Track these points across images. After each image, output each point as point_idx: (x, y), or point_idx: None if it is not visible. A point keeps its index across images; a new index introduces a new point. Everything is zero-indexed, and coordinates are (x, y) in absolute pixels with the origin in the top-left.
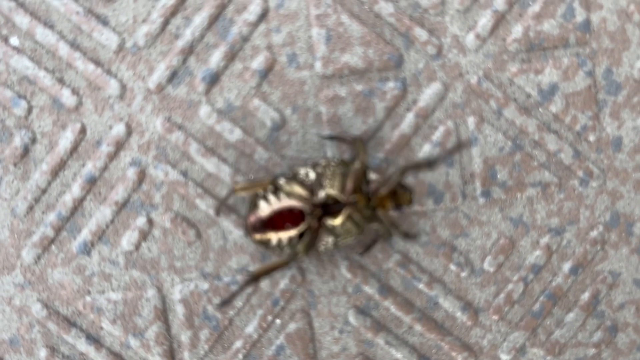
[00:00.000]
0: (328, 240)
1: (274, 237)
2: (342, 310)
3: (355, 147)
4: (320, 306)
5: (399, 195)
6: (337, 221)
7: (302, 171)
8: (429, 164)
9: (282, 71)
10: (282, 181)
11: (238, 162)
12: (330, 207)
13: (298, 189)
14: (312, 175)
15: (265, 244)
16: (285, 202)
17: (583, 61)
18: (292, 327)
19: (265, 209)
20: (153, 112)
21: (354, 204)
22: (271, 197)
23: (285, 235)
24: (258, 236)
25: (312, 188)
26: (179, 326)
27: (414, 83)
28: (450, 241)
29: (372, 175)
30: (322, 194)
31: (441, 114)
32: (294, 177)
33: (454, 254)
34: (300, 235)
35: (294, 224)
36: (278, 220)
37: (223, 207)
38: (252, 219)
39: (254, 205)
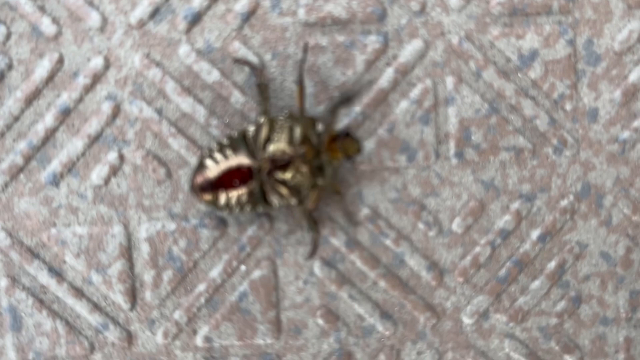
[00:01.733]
0: (281, 193)
1: (222, 196)
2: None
3: (256, 73)
4: (286, 255)
5: (347, 144)
6: (287, 174)
7: (251, 129)
8: (348, 98)
9: (265, 16)
10: (225, 141)
11: (214, 104)
12: (279, 161)
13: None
14: (264, 130)
15: (214, 203)
16: (233, 160)
17: (565, 30)
18: (256, 274)
19: (212, 168)
20: (132, 47)
21: (302, 155)
22: (217, 156)
23: (235, 193)
24: (207, 196)
25: (258, 144)
26: (142, 265)
27: (395, 38)
28: (420, 199)
29: (320, 127)
30: (270, 148)
31: (420, 71)
32: (241, 136)
33: (423, 213)
34: (251, 194)
35: (243, 181)
36: (226, 179)
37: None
38: (200, 179)
39: (200, 165)
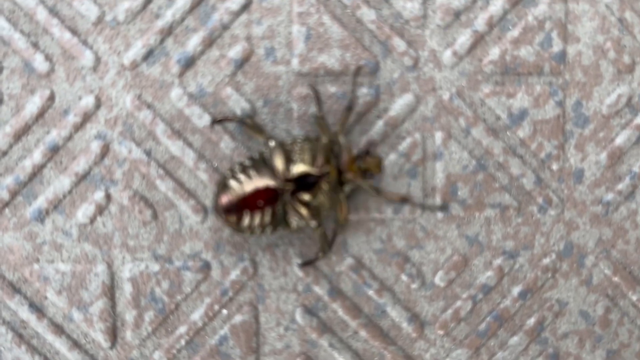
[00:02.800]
0: (302, 214)
1: (246, 218)
2: (290, 307)
3: (318, 124)
4: (268, 301)
5: (368, 161)
6: (311, 195)
7: (271, 144)
8: (348, 107)
9: (259, 63)
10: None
11: (203, 148)
12: (303, 182)
13: (269, 167)
14: (279, 152)
15: (237, 224)
16: (258, 181)
17: (555, 91)
18: (238, 318)
19: (237, 188)
20: (124, 88)
21: (326, 175)
22: (241, 176)
23: (259, 215)
24: (231, 218)
25: (276, 166)
26: (124, 305)
27: (387, 92)
28: (404, 251)
29: (342, 139)
30: (294, 169)
31: (410, 125)
32: (261, 158)
33: (406, 265)
34: (274, 215)
35: (268, 202)
36: (251, 200)
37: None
38: (225, 199)
39: (224, 185)
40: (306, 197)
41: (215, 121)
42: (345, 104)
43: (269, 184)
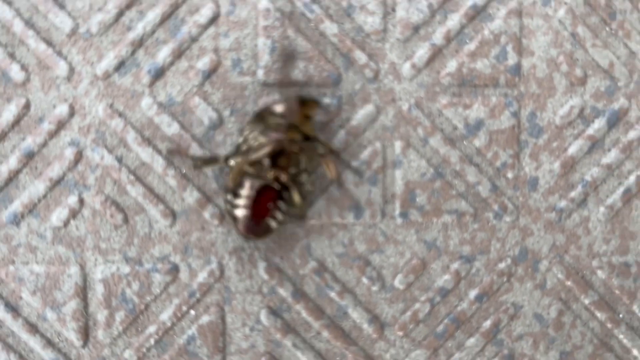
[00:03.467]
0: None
1: (271, 222)
2: (255, 309)
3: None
4: (234, 302)
5: (308, 105)
6: (287, 165)
7: (232, 162)
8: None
9: (226, 74)
10: (232, 162)
11: (172, 155)
12: (278, 157)
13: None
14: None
15: (270, 232)
16: (251, 193)
17: (510, 102)
18: (205, 319)
19: (242, 213)
20: (97, 97)
21: (289, 140)
22: (237, 201)
23: (277, 213)
24: (260, 233)
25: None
26: (96, 305)
27: (349, 102)
28: (365, 255)
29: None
30: (263, 151)
31: (371, 134)
32: (238, 152)
33: (367, 268)
34: (284, 203)
35: (274, 200)
36: (262, 210)
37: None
38: (243, 229)
39: (233, 219)
40: (292, 169)
41: (170, 152)
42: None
43: (260, 186)
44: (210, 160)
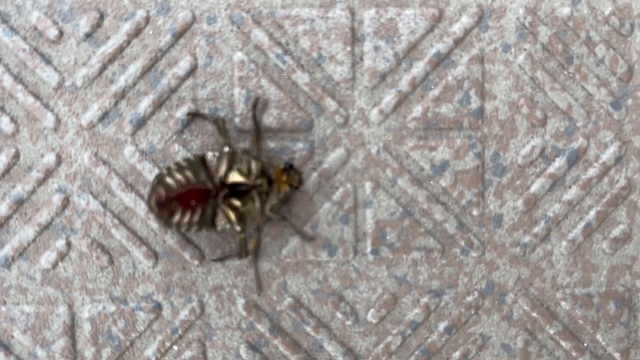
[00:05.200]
0: (229, 218)
1: (177, 214)
2: (235, 344)
3: (254, 141)
4: (215, 338)
5: (291, 176)
6: (241, 202)
7: (209, 155)
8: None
9: (203, 122)
10: (184, 163)
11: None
12: (236, 189)
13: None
14: (225, 160)
15: (167, 219)
16: (193, 182)
17: (474, 144)
18: (187, 354)
19: (172, 186)
20: (82, 146)
21: (259, 187)
22: (177, 175)
23: (188, 213)
24: (163, 212)
25: (219, 170)
26: (84, 342)
27: (321, 146)
28: (339, 291)
29: (265, 159)
30: (231, 176)
31: (342, 176)
32: (198, 160)
33: (341, 303)
34: (202, 215)
35: (199, 202)
36: (184, 198)
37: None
38: (161, 194)
39: (160, 182)
40: (237, 203)
41: (190, 114)
42: (252, 125)
43: (204, 185)
44: (224, 132)
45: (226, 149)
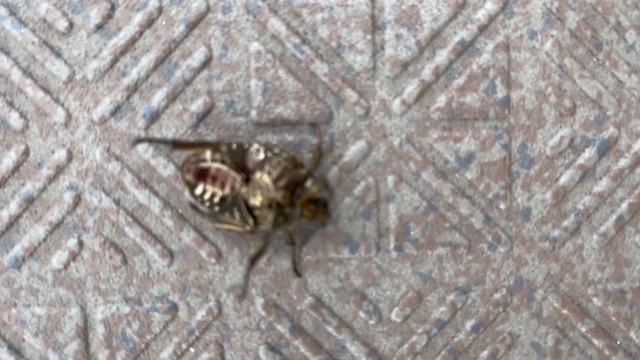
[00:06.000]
0: (242, 213)
1: (200, 186)
2: (254, 345)
3: (313, 157)
4: (233, 339)
5: (320, 212)
6: (257, 200)
7: (254, 146)
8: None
9: (219, 115)
10: (224, 148)
11: (169, 196)
12: (257, 190)
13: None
14: (261, 155)
15: (191, 187)
16: (226, 167)
17: (500, 134)
18: (204, 356)
19: (208, 159)
20: (94, 141)
21: (279, 198)
22: (217, 156)
23: (211, 190)
24: (188, 177)
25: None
26: (97, 345)
27: (341, 139)
28: (361, 289)
29: (309, 183)
30: (258, 175)
31: (363, 170)
32: (240, 148)
33: (364, 302)
34: (223, 199)
35: (222, 186)
36: (212, 177)
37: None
38: (193, 161)
39: (202, 151)
40: (253, 201)
41: (137, 141)
42: (315, 149)
43: (233, 173)
44: (192, 145)
45: (276, 149)
